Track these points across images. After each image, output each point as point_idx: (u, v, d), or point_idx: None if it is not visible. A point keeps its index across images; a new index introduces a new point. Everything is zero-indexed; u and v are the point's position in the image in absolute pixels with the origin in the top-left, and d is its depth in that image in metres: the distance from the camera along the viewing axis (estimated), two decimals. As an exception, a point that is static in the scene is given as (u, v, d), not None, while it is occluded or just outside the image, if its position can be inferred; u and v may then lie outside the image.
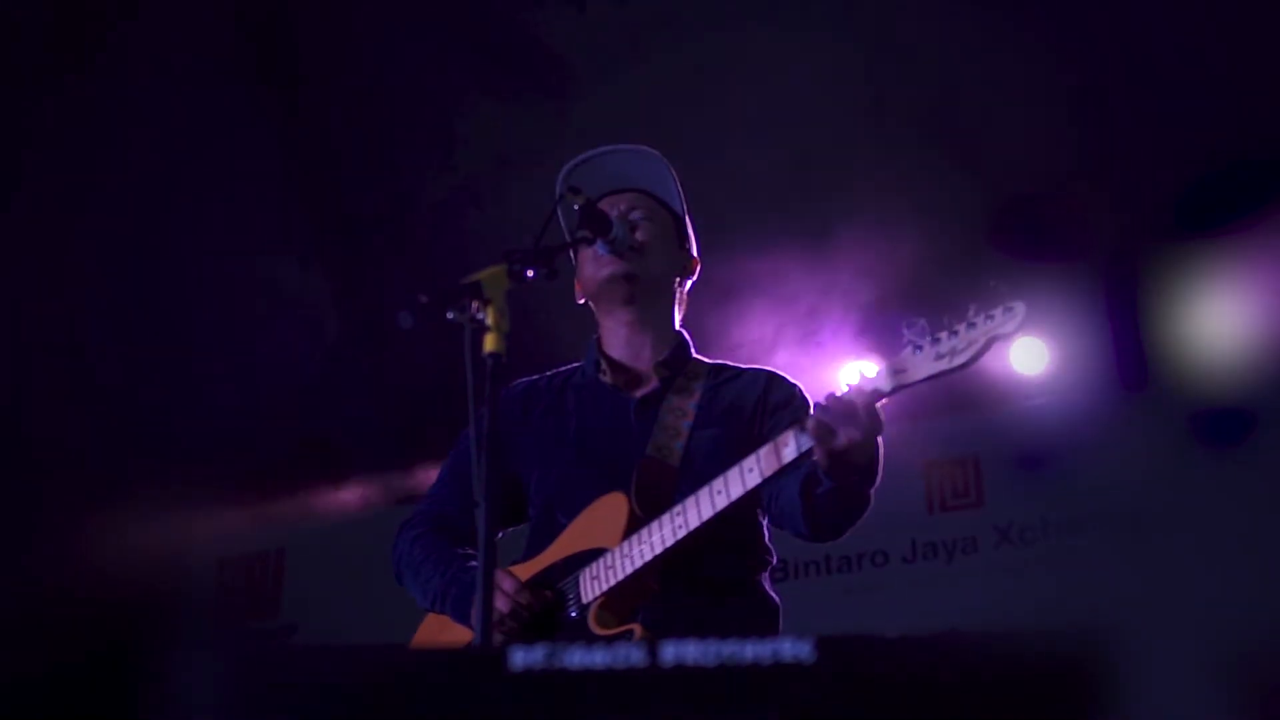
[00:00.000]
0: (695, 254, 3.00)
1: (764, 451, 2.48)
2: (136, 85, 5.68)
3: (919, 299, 5.28)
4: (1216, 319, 5.36)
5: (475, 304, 2.13)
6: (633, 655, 1.43)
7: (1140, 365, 5.56)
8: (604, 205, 2.87)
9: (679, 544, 2.53)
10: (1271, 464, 5.29)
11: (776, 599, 2.76)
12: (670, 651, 1.43)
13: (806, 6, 5.48)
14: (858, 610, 5.85)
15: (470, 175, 6.24)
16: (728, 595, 2.66)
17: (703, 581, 2.62)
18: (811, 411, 2.45)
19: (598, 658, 1.44)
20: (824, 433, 2.38)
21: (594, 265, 2.85)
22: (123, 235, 6.22)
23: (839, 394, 2.40)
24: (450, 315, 2.14)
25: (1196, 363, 5.35)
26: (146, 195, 6.04)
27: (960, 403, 5.85)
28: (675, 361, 2.88)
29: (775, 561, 2.80)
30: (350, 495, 6.94)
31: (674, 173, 2.95)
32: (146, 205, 6.11)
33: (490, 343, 2.10)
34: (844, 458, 2.42)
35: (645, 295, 2.87)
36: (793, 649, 1.42)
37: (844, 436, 2.38)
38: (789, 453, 2.45)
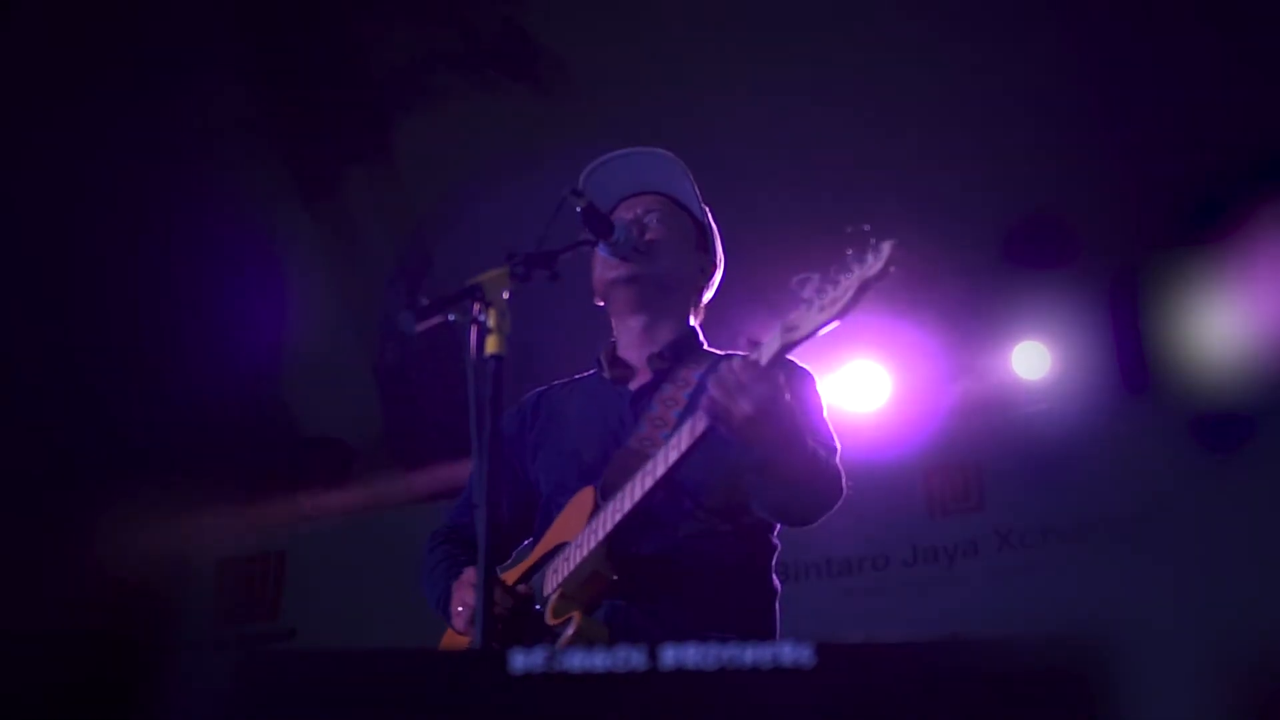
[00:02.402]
0: (718, 259, 2.97)
1: (685, 427, 2.43)
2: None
3: (920, 302, 5.29)
4: (1217, 324, 5.36)
5: (477, 306, 2.13)
6: (633, 658, 1.43)
7: (1142, 370, 5.56)
8: (621, 209, 2.87)
9: (621, 525, 2.49)
10: (1272, 468, 5.28)
11: (777, 586, 2.73)
12: (670, 655, 1.43)
13: (817, 14, 5.50)
14: (858, 614, 5.85)
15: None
16: (730, 581, 2.64)
17: (705, 568, 2.60)
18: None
19: (598, 660, 1.43)
20: (716, 410, 2.33)
21: (601, 268, 2.84)
22: (111, 231, 6.22)
23: (727, 367, 2.34)
24: (452, 318, 2.14)
25: (1198, 367, 5.35)
26: (133, 184, 6.04)
27: (962, 407, 5.85)
28: (673, 352, 2.84)
29: (779, 547, 2.75)
30: (350, 497, 6.94)
31: (691, 176, 2.93)
32: (133, 196, 6.11)
33: (492, 345, 2.10)
34: (747, 431, 2.34)
35: (653, 297, 2.84)
36: (793, 653, 1.42)
37: (735, 410, 2.32)
38: (701, 426, 2.39)
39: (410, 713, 1.43)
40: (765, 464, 2.44)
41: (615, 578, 2.55)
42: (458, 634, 2.72)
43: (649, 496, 2.47)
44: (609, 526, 2.51)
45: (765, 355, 2.33)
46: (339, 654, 1.49)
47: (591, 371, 2.97)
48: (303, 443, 7.15)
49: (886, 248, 2.17)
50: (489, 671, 1.44)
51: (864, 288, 2.18)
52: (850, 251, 2.20)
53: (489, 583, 1.98)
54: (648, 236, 2.82)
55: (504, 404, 2.12)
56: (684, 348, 2.87)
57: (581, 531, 2.58)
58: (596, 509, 2.59)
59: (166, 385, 6.57)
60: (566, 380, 3.01)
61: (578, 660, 1.43)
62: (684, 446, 2.42)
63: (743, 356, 2.36)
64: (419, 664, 1.52)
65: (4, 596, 6.29)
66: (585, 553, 2.54)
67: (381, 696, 1.44)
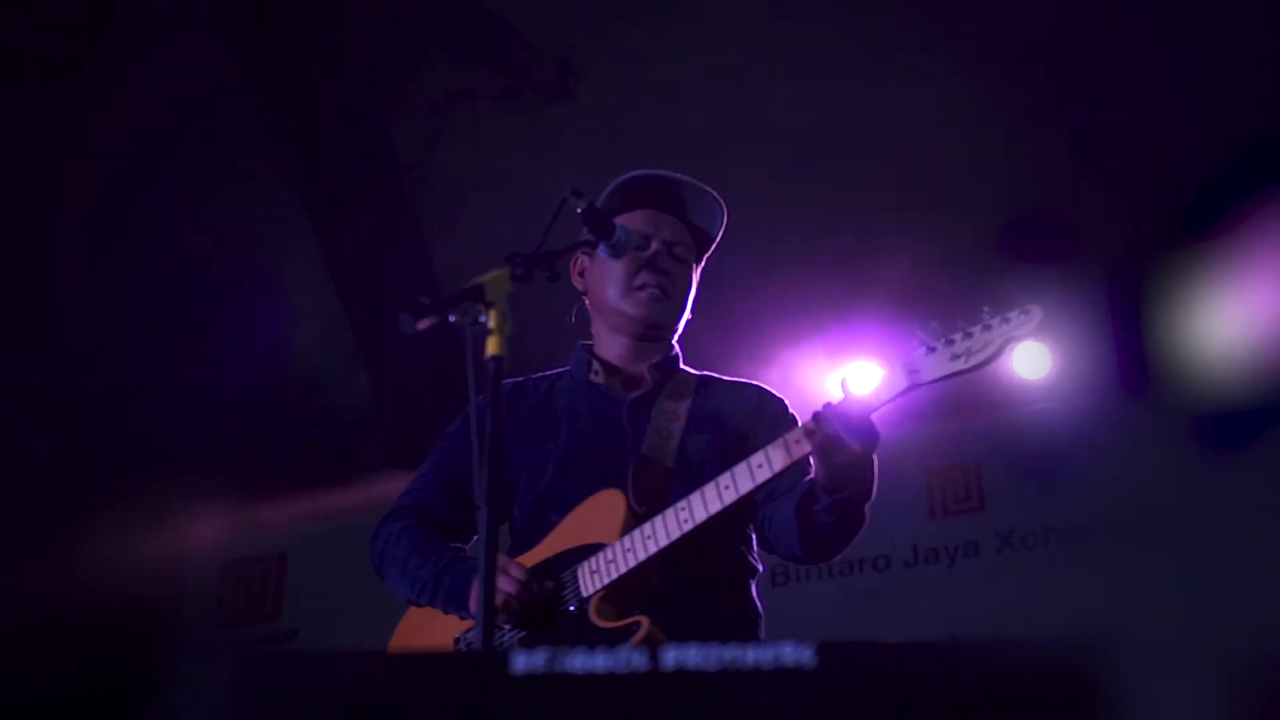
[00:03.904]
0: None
1: (774, 448, 2.49)
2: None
3: (922, 303, 5.28)
4: (1218, 323, 5.35)
5: (477, 307, 2.13)
6: (634, 659, 1.43)
7: (1142, 369, 5.56)
8: (643, 217, 2.88)
9: (680, 540, 2.54)
10: (1273, 468, 5.28)
11: (760, 607, 2.79)
12: (671, 655, 1.43)
13: (816, 19, 5.50)
14: (859, 614, 5.84)
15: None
16: (717, 597, 2.69)
17: (694, 582, 2.63)
18: (807, 423, 2.47)
19: (599, 661, 1.43)
20: (824, 445, 2.40)
21: (623, 284, 2.86)
22: (108, 229, 6.21)
23: (836, 405, 2.41)
24: (452, 318, 2.14)
25: (1199, 367, 5.35)
26: (129, 178, 6.03)
27: (962, 407, 5.84)
28: (667, 366, 2.92)
29: (762, 570, 2.83)
30: (352, 498, 6.93)
31: (725, 219, 2.97)
32: (134, 197, 6.11)
33: (492, 346, 2.10)
34: (842, 471, 2.45)
35: (658, 331, 2.92)
36: (794, 654, 1.42)
37: (843, 449, 2.40)
38: (800, 449, 2.47)
39: (412, 714, 1.43)
40: (844, 504, 2.53)
41: (659, 584, 2.58)
42: (462, 617, 2.72)
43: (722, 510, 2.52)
44: (673, 535, 2.54)
45: (884, 394, 2.39)
46: (341, 655, 1.49)
47: (561, 370, 3.00)
48: (303, 443, 7.14)
49: (1038, 313, 2.25)
50: (490, 672, 1.44)
51: (1005, 347, 2.23)
52: (987, 308, 2.26)
53: (490, 584, 1.98)
54: (672, 273, 2.86)
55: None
56: (674, 363, 2.94)
57: (626, 536, 2.59)
58: (635, 515, 2.62)
59: (167, 386, 6.57)
60: (538, 376, 3.02)
61: (579, 661, 1.43)
62: (776, 468, 2.48)
63: (850, 397, 2.41)
64: (421, 665, 1.53)
65: (4, 598, 6.29)
66: (642, 557, 2.56)
67: (383, 698, 1.44)
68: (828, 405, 2.42)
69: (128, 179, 6.10)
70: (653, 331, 2.89)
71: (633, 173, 2.94)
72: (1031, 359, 5.86)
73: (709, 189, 2.98)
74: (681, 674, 1.42)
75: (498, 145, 6.14)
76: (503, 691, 1.43)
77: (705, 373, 2.98)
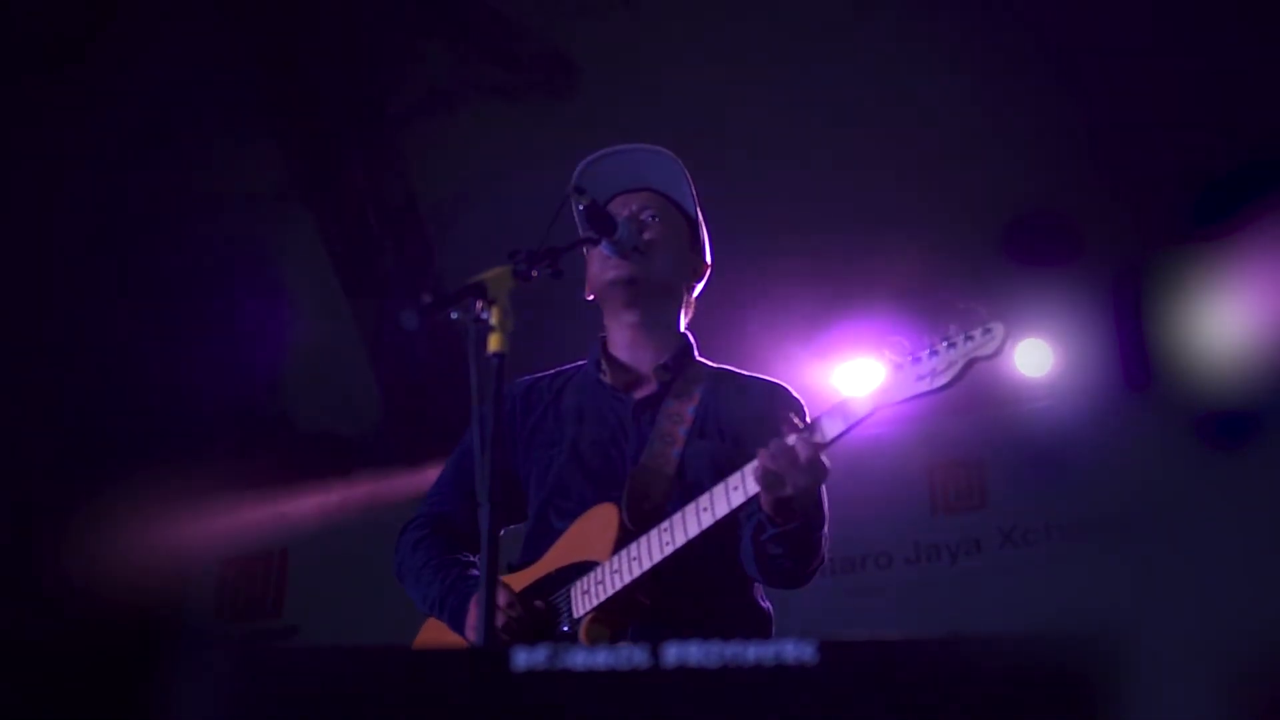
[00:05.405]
0: (708, 258, 2.98)
1: (749, 469, 2.45)
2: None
3: (924, 302, 5.28)
4: (1221, 321, 5.35)
5: (479, 304, 2.12)
6: (635, 656, 1.43)
7: (1145, 367, 5.56)
8: (615, 204, 2.86)
9: (668, 560, 2.52)
10: (1276, 465, 5.28)
11: (768, 608, 2.76)
12: (673, 653, 1.43)
13: (818, 15, 5.49)
14: (861, 612, 5.84)
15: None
16: (721, 606, 2.65)
17: (696, 593, 2.61)
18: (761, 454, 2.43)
19: (600, 658, 1.43)
20: (770, 480, 2.38)
21: (599, 266, 2.84)
22: (108, 228, 6.21)
23: (786, 442, 2.39)
24: (454, 315, 2.14)
25: (1201, 365, 5.35)
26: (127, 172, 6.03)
27: (964, 404, 5.84)
28: (676, 364, 2.86)
29: None
30: (352, 495, 6.94)
31: (688, 175, 2.93)
32: (137, 194, 6.10)
33: (494, 342, 2.10)
34: (787, 504, 2.43)
35: (649, 298, 2.85)
36: (795, 651, 1.42)
37: (790, 485, 2.38)
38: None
39: (413, 710, 1.43)
40: (788, 536, 2.50)
41: (649, 603, 2.57)
42: (464, 639, 2.71)
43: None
44: (656, 558, 2.52)
45: (853, 417, 2.37)
46: (342, 651, 1.48)
47: (579, 364, 2.97)
48: (304, 440, 7.14)
49: (1001, 331, 2.23)
50: (492, 669, 1.44)
51: (972, 364, 2.21)
52: (952, 325, 2.24)
53: (491, 585, 1.98)
54: (646, 236, 2.82)
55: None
56: (685, 359, 2.89)
57: (616, 555, 2.58)
58: (627, 532, 2.59)
59: (168, 384, 6.57)
60: (554, 372, 3.00)
61: (580, 658, 1.43)
62: (751, 491, 2.45)
63: (801, 434, 2.39)
64: (422, 661, 1.52)
65: (5, 597, 6.30)
66: (627, 580, 2.54)
67: (384, 694, 1.44)
68: (776, 444, 2.39)
69: (127, 176, 6.10)
70: (638, 292, 2.82)
71: (580, 164, 2.89)
72: (1034, 356, 5.86)
73: (660, 150, 2.93)
74: (683, 671, 1.42)
75: (498, 143, 6.13)
76: (505, 688, 1.42)
77: (723, 366, 2.91)
